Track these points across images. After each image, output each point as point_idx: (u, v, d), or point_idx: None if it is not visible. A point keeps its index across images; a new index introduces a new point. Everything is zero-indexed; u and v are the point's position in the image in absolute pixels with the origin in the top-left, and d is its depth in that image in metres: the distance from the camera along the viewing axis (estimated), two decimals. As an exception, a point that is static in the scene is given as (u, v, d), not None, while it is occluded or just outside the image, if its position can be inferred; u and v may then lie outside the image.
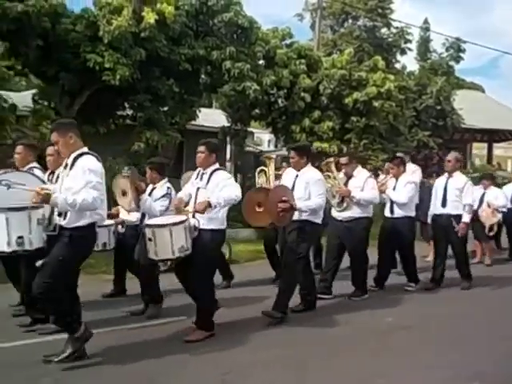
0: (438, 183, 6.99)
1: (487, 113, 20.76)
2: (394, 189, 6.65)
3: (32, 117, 11.19)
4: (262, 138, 22.58)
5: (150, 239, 4.47)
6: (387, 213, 6.75)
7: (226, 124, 14.40)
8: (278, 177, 6.34)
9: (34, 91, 11.71)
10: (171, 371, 3.94)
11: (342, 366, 4.14)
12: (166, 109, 11.42)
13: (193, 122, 12.82)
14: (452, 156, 6.95)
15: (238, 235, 10.26)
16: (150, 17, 9.73)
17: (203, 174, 4.71)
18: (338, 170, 6.31)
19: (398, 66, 25.83)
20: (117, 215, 5.75)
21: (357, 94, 13.13)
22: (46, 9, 9.06)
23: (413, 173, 7.68)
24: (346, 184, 6.17)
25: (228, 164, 18.09)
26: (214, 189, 4.56)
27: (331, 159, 6.43)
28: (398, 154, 7.53)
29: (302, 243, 5.26)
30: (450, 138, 18.41)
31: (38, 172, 4.84)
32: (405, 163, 6.94)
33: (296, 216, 5.24)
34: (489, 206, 8.72)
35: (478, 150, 27.95)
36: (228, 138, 15.44)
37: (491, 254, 8.96)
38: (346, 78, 13.23)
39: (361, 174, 6.25)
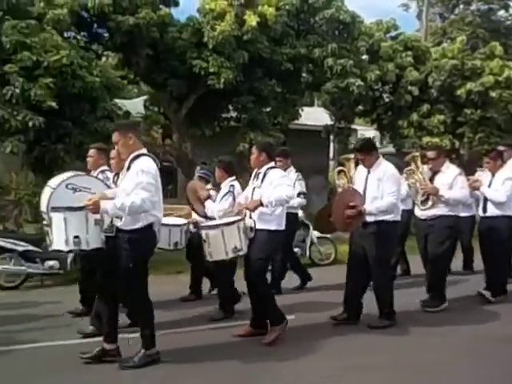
0: None
1: None
2: (489, 185, 5.89)
3: (143, 122, 11.88)
4: (366, 135, 21.87)
5: (204, 241, 4.50)
6: (480, 212, 6.05)
7: (329, 122, 14.16)
8: None
9: (144, 98, 12.43)
10: (263, 373, 3.89)
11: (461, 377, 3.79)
12: (268, 109, 11.50)
13: (295, 122, 12.77)
14: None
15: (345, 235, 9.99)
16: (251, 19, 9.84)
17: (259, 173, 4.67)
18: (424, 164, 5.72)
19: (518, 50, 23.61)
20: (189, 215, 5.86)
21: (470, 85, 12.22)
22: (155, 20, 9.53)
23: None
24: (431, 180, 5.60)
25: (331, 163, 17.80)
26: (268, 187, 4.49)
27: (417, 153, 5.87)
28: (499, 147, 6.68)
29: (381, 248, 4.86)
30: None
31: (109, 175, 4.99)
32: (502, 157, 6.07)
33: (371, 218, 4.84)
34: None
35: None
36: (331, 137, 15.20)
37: None
38: (457, 68, 12.37)
39: (450, 169, 5.62)
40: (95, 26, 9.95)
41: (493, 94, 12.21)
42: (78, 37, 9.69)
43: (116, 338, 4.08)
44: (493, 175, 5.94)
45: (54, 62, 7.87)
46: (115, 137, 4.03)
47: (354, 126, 15.22)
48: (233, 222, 4.45)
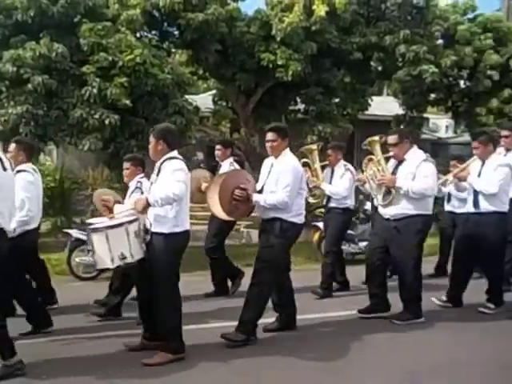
0: None
1: None
2: (479, 175, 5.01)
3: (212, 117, 12.05)
4: (439, 123, 20.98)
5: (89, 248, 3.95)
6: (469, 207, 5.11)
7: (399, 111, 13.66)
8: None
9: (213, 92, 12.56)
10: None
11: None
12: (337, 100, 11.29)
13: (364, 112, 12.44)
14: None
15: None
16: (320, 9, 9.66)
17: (157, 165, 4.02)
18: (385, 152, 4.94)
19: None
20: None
21: (559, 67, 11.33)
22: (223, 15, 9.58)
23: None
24: (394, 171, 4.81)
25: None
26: (162, 183, 3.85)
27: (376, 138, 4.99)
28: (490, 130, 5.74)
29: (269, 247, 4.27)
30: None
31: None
32: (493, 142, 5.08)
33: (268, 213, 4.28)
34: None
35: None
36: (402, 126, 14.66)
37: None
38: (544, 50, 11.49)
39: (415, 156, 4.77)
40: (165, 24, 10.16)
41: None
42: (150, 36, 9.94)
43: None
44: (483, 163, 5.02)
45: (128, 61, 8.11)
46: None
47: (425, 115, 14.59)
48: (120, 225, 3.81)
